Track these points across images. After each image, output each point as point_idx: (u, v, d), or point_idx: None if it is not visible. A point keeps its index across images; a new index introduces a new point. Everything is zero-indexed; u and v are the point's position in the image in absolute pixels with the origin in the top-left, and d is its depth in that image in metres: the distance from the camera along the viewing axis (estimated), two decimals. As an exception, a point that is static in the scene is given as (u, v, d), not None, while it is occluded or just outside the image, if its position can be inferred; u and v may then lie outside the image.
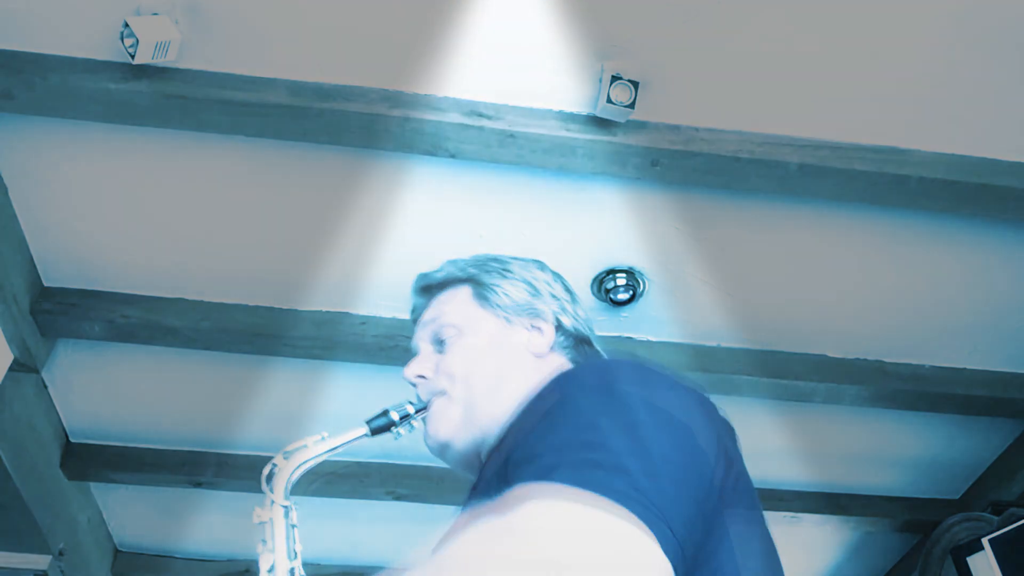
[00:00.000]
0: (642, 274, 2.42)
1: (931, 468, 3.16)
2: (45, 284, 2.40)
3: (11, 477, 2.58)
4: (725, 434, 1.02)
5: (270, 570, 1.18)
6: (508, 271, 1.36)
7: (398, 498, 3.04)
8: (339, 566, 3.45)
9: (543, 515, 0.75)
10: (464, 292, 1.35)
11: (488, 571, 0.71)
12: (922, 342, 2.65)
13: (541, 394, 1.06)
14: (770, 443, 2.99)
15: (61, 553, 2.92)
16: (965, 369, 2.73)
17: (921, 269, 2.44)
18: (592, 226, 2.30)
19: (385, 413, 1.27)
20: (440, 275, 1.39)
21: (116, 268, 2.37)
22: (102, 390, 2.72)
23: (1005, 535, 2.58)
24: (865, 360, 2.69)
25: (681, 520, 0.80)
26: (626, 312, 2.52)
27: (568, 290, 1.39)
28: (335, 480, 2.92)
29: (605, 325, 2.57)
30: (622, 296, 2.43)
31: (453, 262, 1.41)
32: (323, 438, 1.26)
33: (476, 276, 1.36)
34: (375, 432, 1.26)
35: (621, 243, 2.34)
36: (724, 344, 2.63)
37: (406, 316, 2.49)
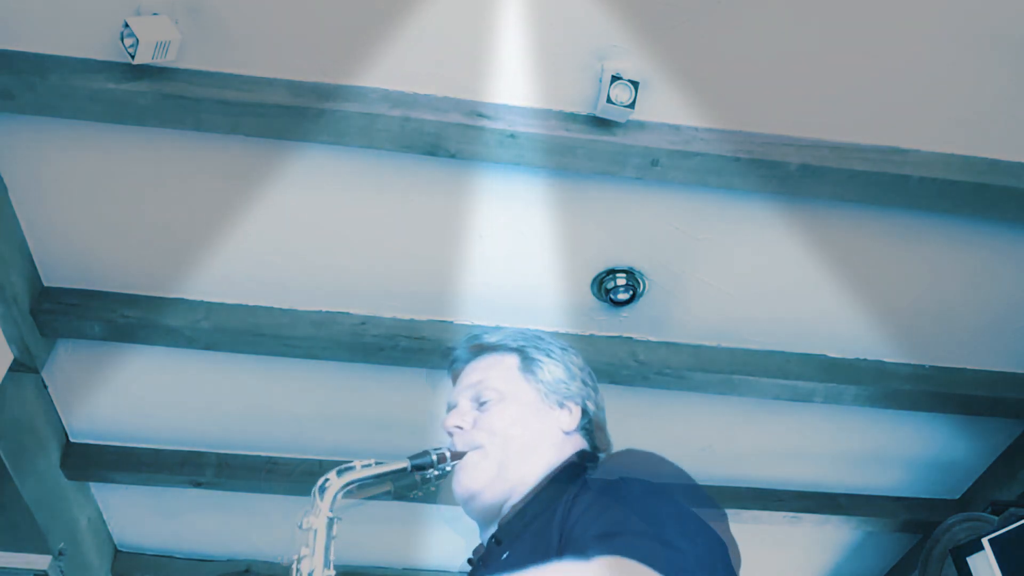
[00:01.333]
0: (642, 274, 2.42)
1: (931, 468, 3.16)
2: (45, 284, 2.40)
3: (11, 477, 2.58)
4: (736, 558, 1.19)
5: (310, 574, 1.32)
6: (552, 351, 1.51)
7: (400, 498, 3.04)
8: (339, 566, 3.44)
9: None
10: (511, 361, 1.49)
11: None
12: (922, 342, 2.65)
13: (585, 492, 1.24)
14: (770, 443, 2.99)
15: (61, 553, 2.92)
16: (965, 369, 2.73)
17: (921, 269, 2.44)
18: (592, 226, 2.30)
19: (426, 453, 1.40)
20: (492, 340, 1.53)
21: (116, 268, 2.37)
22: (102, 390, 2.72)
23: (1005, 535, 2.57)
24: (865, 360, 2.69)
25: None
26: (626, 312, 2.52)
27: (592, 377, 1.54)
28: (335, 480, 2.92)
29: (605, 325, 2.57)
30: (622, 296, 2.43)
31: (501, 329, 1.58)
32: (370, 464, 1.38)
33: (524, 349, 1.50)
34: (415, 468, 1.40)
35: (621, 243, 2.34)
36: (724, 344, 2.63)
37: (406, 316, 2.51)
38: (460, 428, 1.44)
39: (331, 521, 1.33)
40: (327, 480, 1.34)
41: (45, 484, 2.79)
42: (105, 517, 3.26)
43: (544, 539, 1.19)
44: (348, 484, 1.35)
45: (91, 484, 3.09)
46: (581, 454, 1.42)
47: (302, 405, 2.77)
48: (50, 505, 2.84)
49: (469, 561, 1.40)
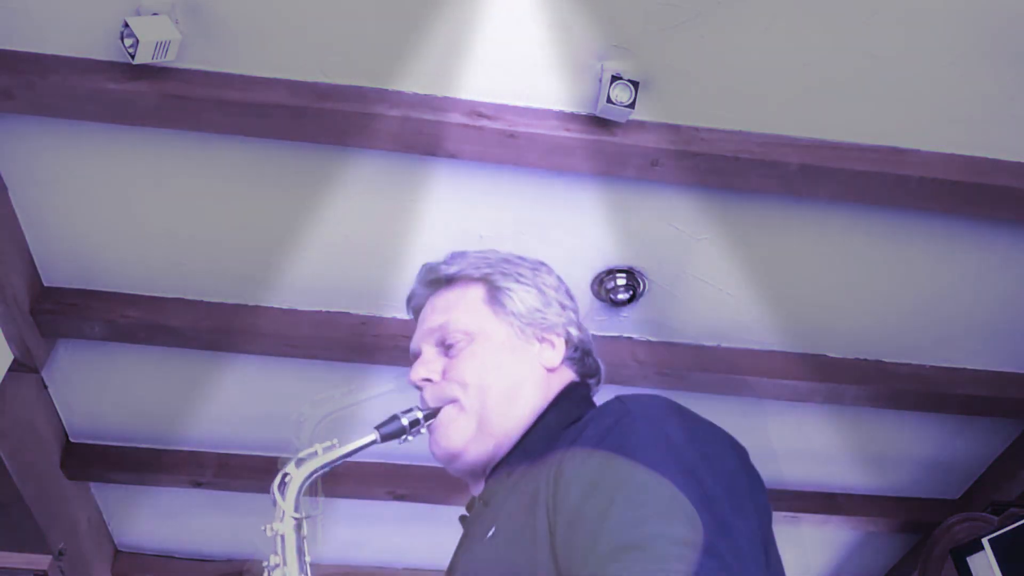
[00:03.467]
0: (642, 274, 2.42)
1: (931, 468, 3.16)
2: (45, 284, 2.40)
3: (11, 477, 2.58)
4: (759, 484, 1.04)
5: None
6: (521, 275, 1.31)
7: (398, 498, 3.04)
8: (339, 566, 3.45)
9: None
10: (475, 293, 1.30)
11: None
12: (922, 342, 2.65)
13: (580, 429, 1.06)
14: (770, 443, 2.99)
15: (61, 553, 2.92)
16: (965, 369, 2.73)
17: (921, 269, 2.44)
18: (592, 226, 2.30)
19: (395, 418, 1.23)
20: (451, 270, 1.33)
21: (116, 268, 2.37)
22: (102, 390, 2.72)
23: (1005, 535, 2.57)
24: (865, 360, 2.69)
25: None
26: (626, 312, 2.52)
27: (570, 296, 1.35)
28: (335, 480, 2.92)
29: (605, 325, 2.57)
30: (622, 296, 2.43)
31: (463, 256, 1.35)
32: (333, 445, 1.23)
33: (490, 276, 1.30)
34: (385, 439, 1.23)
35: (621, 243, 2.34)
36: (724, 344, 2.63)
37: (406, 316, 2.50)
38: (429, 381, 1.26)
39: (298, 523, 1.18)
40: (286, 475, 1.19)
41: (45, 484, 2.79)
42: (105, 517, 3.26)
43: (531, 509, 1.01)
44: (311, 475, 1.20)
45: (91, 484, 3.09)
46: (570, 387, 1.25)
47: (302, 405, 2.77)
48: (50, 505, 2.84)
49: (461, 518, 1.25)
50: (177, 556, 3.45)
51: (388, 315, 2.49)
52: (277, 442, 3.06)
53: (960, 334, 2.63)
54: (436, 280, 1.34)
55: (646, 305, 2.50)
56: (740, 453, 1.04)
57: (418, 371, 1.28)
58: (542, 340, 1.27)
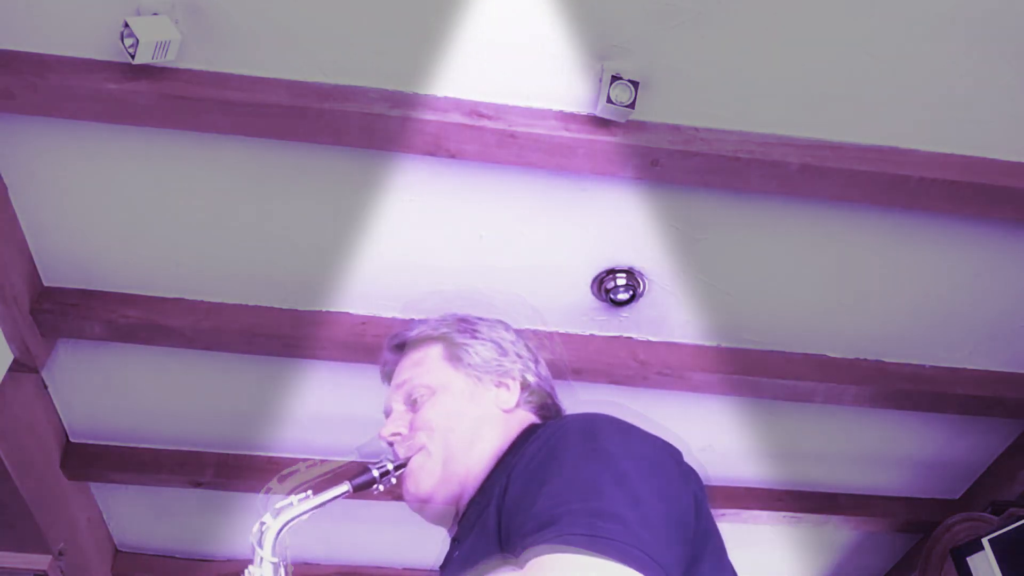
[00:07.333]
0: (642, 274, 2.42)
1: (931, 468, 3.16)
2: (45, 284, 2.40)
3: (11, 477, 2.58)
4: (693, 479, 1.13)
5: None
6: (477, 331, 1.45)
7: (398, 498, 3.04)
8: (339, 566, 3.45)
9: None
10: (436, 351, 1.43)
11: None
12: (922, 342, 2.65)
13: (525, 447, 1.16)
14: (770, 443, 2.99)
15: (61, 553, 2.92)
16: (965, 369, 2.73)
17: (921, 269, 2.44)
18: (592, 226, 2.30)
19: (367, 470, 1.35)
20: (412, 333, 1.48)
21: (116, 268, 2.37)
22: (102, 390, 2.72)
23: (1005, 535, 2.58)
24: (865, 360, 2.69)
25: (671, 559, 0.95)
26: (626, 312, 2.52)
27: (529, 349, 1.48)
28: (337, 480, 2.92)
29: (605, 325, 2.57)
30: (622, 296, 2.43)
31: (424, 321, 1.50)
32: (307, 496, 1.33)
33: (447, 335, 1.44)
34: (357, 489, 1.34)
35: (621, 243, 2.34)
36: (724, 344, 2.63)
37: (406, 316, 2.51)
38: (398, 435, 1.39)
39: (276, 566, 1.28)
40: (264, 524, 1.30)
41: (45, 484, 2.79)
42: (105, 517, 3.26)
43: (486, 526, 1.12)
44: (287, 523, 1.30)
45: (91, 484, 3.09)
46: (529, 429, 1.34)
47: (302, 405, 2.77)
48: (50, 505, 2.84)
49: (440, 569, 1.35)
50: (177, 556, 3.45)
51: (388, 315, 2.49)
52: (277, 442, 3.08)
53: (960, 334, 2.64)
54: (400, 345, 1.50)
55: (646, 305, 2.51)
56: (672, 452, 1.15)
57: (388, 427, 1.41)
58: (499, 385, 1.39)
